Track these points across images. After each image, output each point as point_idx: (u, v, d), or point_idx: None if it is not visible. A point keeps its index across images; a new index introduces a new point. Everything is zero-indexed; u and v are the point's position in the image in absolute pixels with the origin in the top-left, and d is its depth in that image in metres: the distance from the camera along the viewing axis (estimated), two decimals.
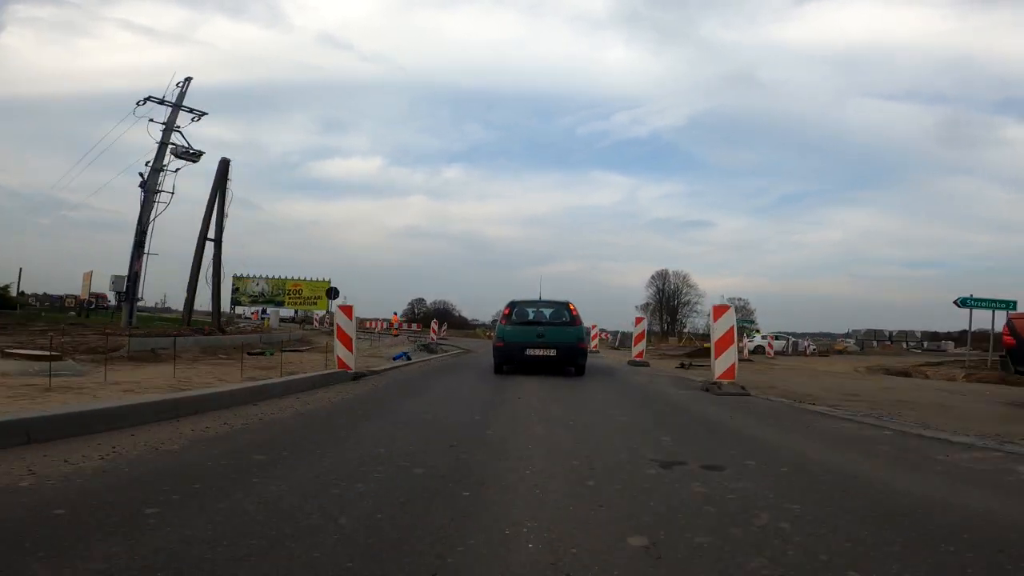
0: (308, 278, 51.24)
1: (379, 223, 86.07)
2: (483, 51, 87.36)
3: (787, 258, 79.81)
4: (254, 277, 50.52)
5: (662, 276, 63.22)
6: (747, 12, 77.21)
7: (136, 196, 18.77)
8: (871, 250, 73.01)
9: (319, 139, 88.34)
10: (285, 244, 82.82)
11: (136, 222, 18.72)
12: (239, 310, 48.70)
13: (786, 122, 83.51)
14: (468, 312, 59.75)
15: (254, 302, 49.81)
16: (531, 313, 9.80)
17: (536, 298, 10.35)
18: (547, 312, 9.87)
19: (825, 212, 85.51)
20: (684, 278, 63.04)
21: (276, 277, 50.92)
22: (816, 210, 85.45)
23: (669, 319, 62.14)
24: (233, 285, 49.89)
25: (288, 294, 50.61)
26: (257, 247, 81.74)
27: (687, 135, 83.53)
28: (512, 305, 9.66)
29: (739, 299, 60.19)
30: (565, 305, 9.71)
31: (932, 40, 72.01)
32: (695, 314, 61.47)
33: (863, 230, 76.64)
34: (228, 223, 18.04)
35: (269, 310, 27.37)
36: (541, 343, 8.88)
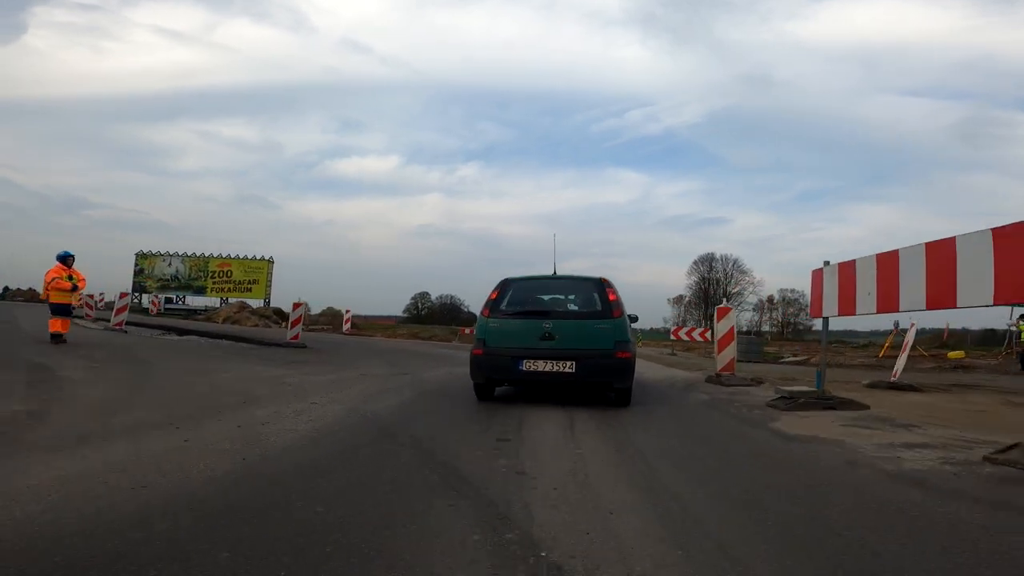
0: (240, 255, 39.99)
1: (394, 221, 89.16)
2: (497, 50, 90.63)
3: (805, 255, 79.02)
4: (164, 255, 39.14)
5: (707, 261, 52.53)
6: (761, 11, 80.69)
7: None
8: (891, 246, 69.92)
9: (336, 138, 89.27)
10: (302, 243, 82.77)
11: None
12: (146, 298, 37.37)
13: (803, 119, 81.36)
14: (477, 308, 54.49)
15: (164, 287, 38.59)
16: (536, 297, 5.80)
17: (546, 274, 6.13)
18: (563, 297, 6.04)
19: (844, 209, 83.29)
20: (735, 263, 52.16)
21: (196, 254, 39.57)
22: (835, 207, 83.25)
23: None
24: (136, 265, 38.83)
25: (212, 276, 39.30)
26: (274, 247, 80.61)
27: (702, 132, 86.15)
28: (504, 285, 5.70)
29: (792, 291, 51.75)
30: (595, 284, 5.57)
31: (952, 36, 71.26)
32: (745, 307, 50.91)
33: (883, 226, 74.58)
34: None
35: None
36: (549, 349, 5.17)
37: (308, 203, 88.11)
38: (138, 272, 38.57)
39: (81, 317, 15.81)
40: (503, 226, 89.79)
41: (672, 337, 22.89)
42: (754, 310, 52.36)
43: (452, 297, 67.09)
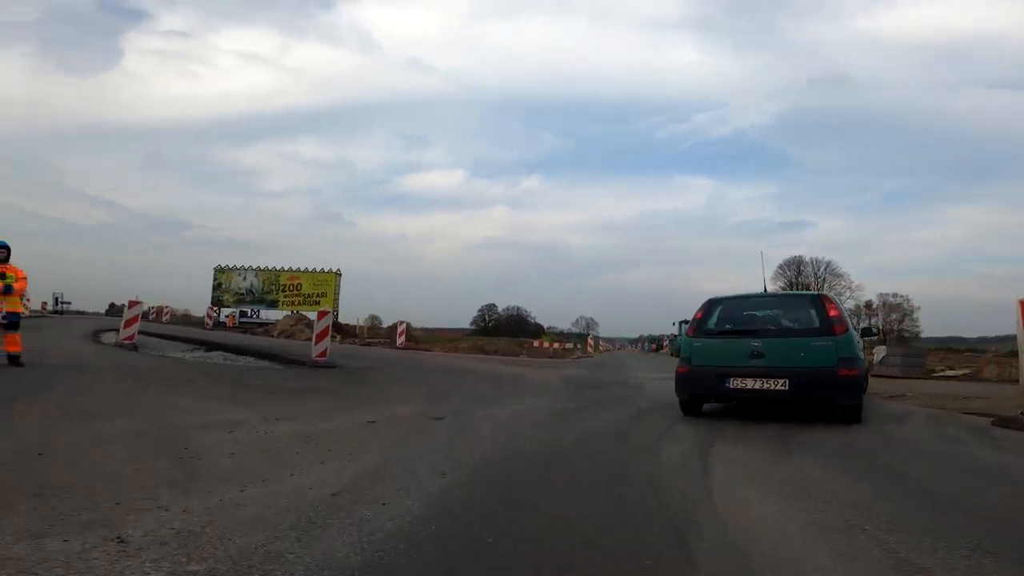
0: (309, 269, 39.86)
1: (461, 234, 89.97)
2: (553, 58, 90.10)
3: (898, 258, 70.82)
4: (240, 268, 39.75)
5: (794, 265, 50.24)
6: (831, 10, 73.00)
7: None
8: (994, 247, 63.24)
9: (403, 154, 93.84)
10: (374, 258, 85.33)
11: None
12: (224, 312, 38.11)
13: (885, 117, 77.14)
14: (544, 320, 56.39)
15: (240, 301, 39.05)
16: (744, 316, 5.80)
17: (755, 292, 6.50)
18: (773, 314, 5.92)
19: (938, 209, 76.97)
20: (828, 266, 49.27)
21: (268, 268, 39.88)
22: (927, 207, 77.38)
23: None
24: (215, 279, 39.67)
25: (283, 290, 39.40)
26: (349, 262, 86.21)
27: (774, 134, 79.20)
28: (710, 305, 5.81)
29: (894, 295, 48.74)
30: (811, 300, 5.69)
31: None
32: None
33: (982, 226, 67.83)
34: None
35: None
36: (758, 367, 5.09)
37: (380, 219, 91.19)
38: (216, 286, 39.44)
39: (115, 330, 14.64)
40: (568, 236, 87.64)
41: None
42: (850, 317, 48.69)
43: (519, 309, 65.81)
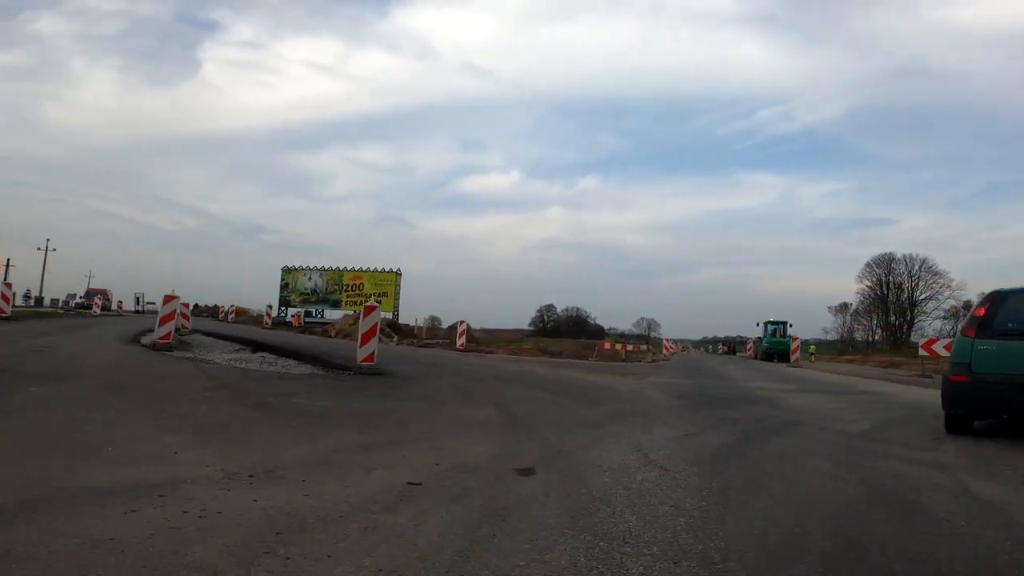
0: (371, 268, 39.68)
1: (519, 235, 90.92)
2: (606, 58, 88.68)
3: (999, 254, 62.46)
4: (305, 269, 40.16)
5: (884, 263, 45.71)
6: (905, 1, 64.27)
7: None
8: None
9: (461, 157, 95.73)
10: (435, 260, 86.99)
11: None
12: (291, 312, 38.64)
13: (974, 108, 69.21)
14: (604, 321, 55.79)
15: (305, 300, 39.41)
16: None
17: None
18: None
19: None
20: (923, 263, 44.46)
21: (332, 268, 40.07)
22: None
23: (902, 323, 44.69)
24: (282, 280, 40.25)
25: (345, 290, 39.41)
26: (411, 263, 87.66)
27: (847, 129, 73.86)
28: (996, 300, 4.89)
29: None
30: None
31: None
32: (935, 315, 43.64)
33: None
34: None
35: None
36: None
37: (439, 221, 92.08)
38: (284, 287, 40.03)
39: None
40: (626, 236, 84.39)
41: (923, 352, 16.73)
42: (945, 317, 44.04)
43: (578, 309, 63.97)
